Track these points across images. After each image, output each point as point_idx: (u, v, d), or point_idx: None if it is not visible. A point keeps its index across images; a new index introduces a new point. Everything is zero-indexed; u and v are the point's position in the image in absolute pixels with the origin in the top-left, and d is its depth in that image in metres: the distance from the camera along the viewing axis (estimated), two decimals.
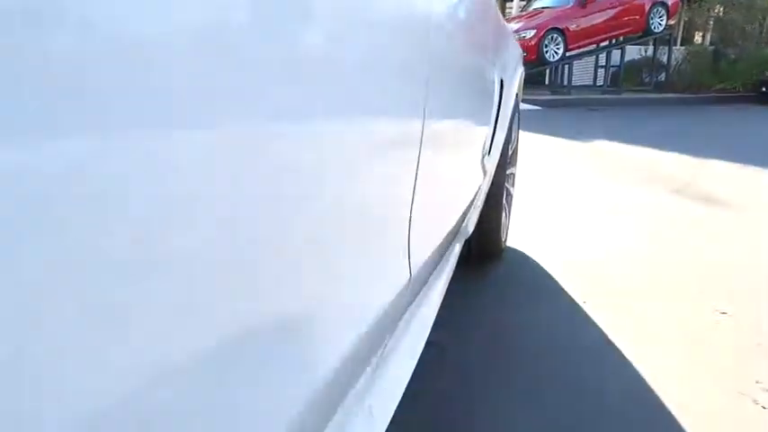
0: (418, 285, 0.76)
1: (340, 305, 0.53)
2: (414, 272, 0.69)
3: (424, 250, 0.75)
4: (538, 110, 7.72)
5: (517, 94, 1.91)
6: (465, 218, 1.30)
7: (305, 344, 0.47)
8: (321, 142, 0.42)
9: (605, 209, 2.78)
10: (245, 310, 0.32)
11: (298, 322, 0.44)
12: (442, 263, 1.00)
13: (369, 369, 0.66)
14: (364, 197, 0.53)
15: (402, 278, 0.66)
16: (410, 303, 0.72)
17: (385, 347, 0.66)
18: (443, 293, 0.96)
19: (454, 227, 1.05)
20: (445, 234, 0.91)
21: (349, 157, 0.48)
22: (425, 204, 0.74)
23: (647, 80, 11.21)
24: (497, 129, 1.60)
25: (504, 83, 1.64)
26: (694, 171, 3.79)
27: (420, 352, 0.77)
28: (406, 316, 0.71)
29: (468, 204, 1.24)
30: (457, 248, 1.38)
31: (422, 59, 0.65)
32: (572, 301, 1.73)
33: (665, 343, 1.48)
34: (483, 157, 1.41)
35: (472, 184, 1.26)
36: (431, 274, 0.87)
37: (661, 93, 9.97)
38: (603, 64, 10.29)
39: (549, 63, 9.20)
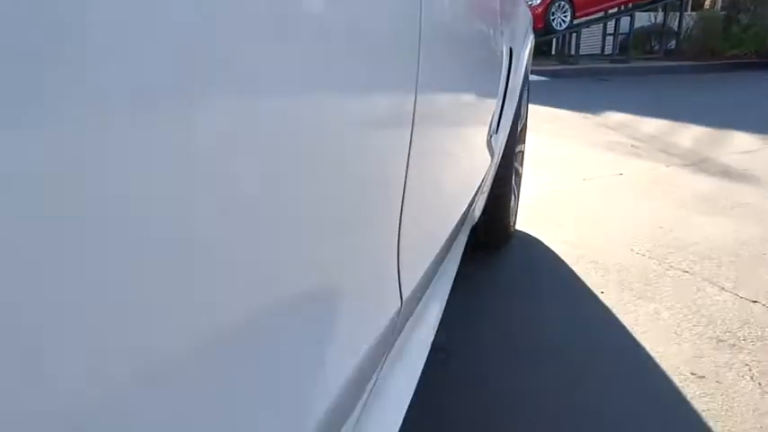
0: (411, 307, 0.61)
1: (300, 351, 0.39)
2: (405, 295, 0.54)
3: (418, 265, 0.60)
4: (544, 80, 7.48)
5: (527, 65, 1.74)
6: (470, 207, 1.14)
7: (269, 399, 0.35)
8: (275, 129, 0.30)
9: (620, 189, 2.61)
10: (209, 350, 0.27)
11: (253, 372, 0.32)
12: (440, 272, 0.84)
13: (350, 420, 0.52)
14: (333, 202, 0.39)
15: (390, 307, 0.51)
16: (399, 333, 0.58)
17: (367, 398, 0.52)
18: (442, 311, 0.81)
19: (456, 226, 0.89)
20: (444, 240, 0.76)
21: (309, 149, 0.34)
22: (419, 207, 0.58)
23: (656, 48, 10.87)
24: (506, 104, 1.44)
25: (514, 52, 1.47)
26: (711, 144, 3.60)
27: (412, 393, 0.63)
28: (394, 352, 0.57)
29: (472, 195, 1.08)
30: (461, 240, 1.23)
31: (411, 22, 0.49)
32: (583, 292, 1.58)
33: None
34: (490, 137, 1.25)
35: (478, 171, 1.11)
36: (427, 288, 0.72)
37: (671, 61, 9.66)
38: (612, 32, 9.96)
39: (556, 32, 8.92)
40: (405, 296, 0.53)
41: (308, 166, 0.34)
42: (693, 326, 1.39)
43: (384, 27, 0.44)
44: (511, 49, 1.43)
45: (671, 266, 1.73)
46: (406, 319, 0.60)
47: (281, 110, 0.31)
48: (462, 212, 0.94)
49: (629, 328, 1.39)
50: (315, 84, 0.34)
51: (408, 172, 0.52)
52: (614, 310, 1.47)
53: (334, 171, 0.38)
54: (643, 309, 1.47)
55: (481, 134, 1.12)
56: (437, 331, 0.90)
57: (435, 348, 0.97)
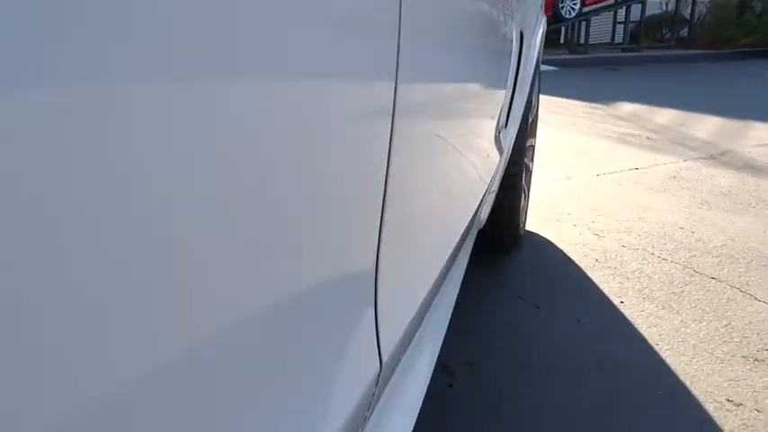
0: (394, 364, 0.47)
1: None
2: (386, 356, 0.40)
3: (404, 311, 0.46)
4: (554, 70, 7.29)
5: (539, 51, 1.59)
6: (476, 214, 1.00)
7: None
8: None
9: (636, 185, 2.46)
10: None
11: None
12: (439, 297, 0.70)
13: None
14: (266, 229, 0.28)
15: (364, 375, 0.37)
16: (380, 395, 0.44)
17: None
18: (439, 346, 0.66)
19: (456, 246, 0.74)
20: (441, 267, 0.61)
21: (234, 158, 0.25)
22: (404, 231, 0.45)
23: (667, 36, 10.61)
24: (516, 94, 1.29)
25: (525, 37, 1.32)
26: (730, 136, 3.43)
27: None
28: (375, 416, 0.43)
29: (478, 202, 0.94)
30: (466, 249, 1.09)
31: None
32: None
33: None
34: (498, 133, 1.11)
35: (485, 172, 0.96)
36: (419, 325, 0.57)
37: (684, 49, 9.42)
38: (622, 20, 9.71)
39: (565, 20, 8.70)
40: (385, 357, 0.40)
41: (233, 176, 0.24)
42: (725, 342, 1.25)
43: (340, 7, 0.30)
44: (522, 34, 1.29)
45: (695, 272, 1.58)
46: (392, 370, 0.47)
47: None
48: (465, 227, 0.80)
49: (652, 344, 1.25)
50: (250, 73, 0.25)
51: (388, 187, 0.39)
52: (635, 324, 1.33)
53: (270, 185, 0.26)
54: (668, 322, 1.33)
55: (489, 130, 0.98)
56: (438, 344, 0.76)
57: (438, 367, 0.84)
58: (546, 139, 2.95)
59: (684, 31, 10.51)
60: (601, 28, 10.17)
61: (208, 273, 0.24)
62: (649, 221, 1.97)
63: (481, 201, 0.98)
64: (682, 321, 1.33)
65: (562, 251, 1.73)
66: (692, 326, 1.31)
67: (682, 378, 1.13)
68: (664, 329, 1.30)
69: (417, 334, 0.56)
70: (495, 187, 1.34)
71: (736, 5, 10.39)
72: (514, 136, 1.38)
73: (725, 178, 2.50)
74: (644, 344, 1.25)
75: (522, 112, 1.40)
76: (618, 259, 1.67)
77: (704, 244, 1.77)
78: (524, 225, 1.82)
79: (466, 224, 0.79)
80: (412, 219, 0.48)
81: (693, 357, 1.20)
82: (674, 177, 2.51)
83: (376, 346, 0.38)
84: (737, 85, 5.95)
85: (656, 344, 1.25)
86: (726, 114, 4.01)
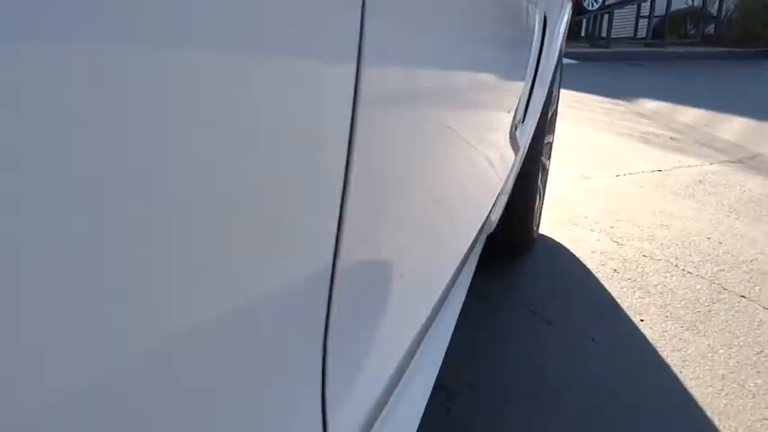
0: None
1: None
2: None
3: (367, 383, 0.34)
4: (574, 63, 7.08)
5: (562, 40, 1.44)
6: (483, 225, 0.87)
7: None
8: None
9: (659, 188, 2.31)
10: None
11: None
12: (432, 331, 0.56)
13: None
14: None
15: None
16: None
17: None
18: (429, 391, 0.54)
19: (451, 280, 0.61)
20: (429, 312, 0.49)
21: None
22: (369, 272, 0.32)
23: (692, 32, 10.31)
24: (536, 86, 1.16)
25: (548, 23, 1.18)
26: (760, 139, 3.26)
27: None
28: None
29: (487, 211, 0.81)
30: (472, 259, 0.96)
31: None
32: None
33: None
34: (514, 129, 0.98)
35: (496, 175, 0.83)
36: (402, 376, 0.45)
37: (709, 46, 9.15)
38: (646, 14, 9.43)
39: (587, 12, 8.48)
40: None
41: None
42: (758, 373, 1.12)
43: None
44: (545, 19, 1.15)
45: (724, 288, 1.45)
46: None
47: None
48: (471, 240, 0.67)
49: (676, 371, 1.12)
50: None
51: (348, 191, 0.26)
52: (657, 345, 1.20)
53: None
54: (693, 346, 1.20)
55: (504, 125, 0.85)
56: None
57: (435, 388, 0.72)
58: (563, 135, 2.80)
59: (710, 28, 10.22)
60: (623, 22, 9.89)
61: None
62: (673, 229, 1.83)
63: (493, 204, 0.86)
64: (709, 346, 1.20)
65: (578, 258, 1.59)
66: (721, 352, 1.18)
67: (709, 414, 1.00)
68: (689, 354, 1.17)
69: (410, 367, 0.44)
70: (509, 188, 1.21)
71: (765, 2, 10.06)
72: (532, 132, 1.25)
73: (755, 185, 2.34)
74: (667, 370, 1.12)
75: (541, 106, 1.27)
76: (638, 270, 1.53)
77: (733, 257, 1.63)
78: (538, 228, 1.69)
79: (472, 237, 0.67)
80: (389, 233, 0.36)
81: (722, 389, 1.07)
82: (700, 181, 2.36)
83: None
84: (765, 86, 5.74)
85: (680, 371, 1.12)
86: (754, 116, 3.83)
